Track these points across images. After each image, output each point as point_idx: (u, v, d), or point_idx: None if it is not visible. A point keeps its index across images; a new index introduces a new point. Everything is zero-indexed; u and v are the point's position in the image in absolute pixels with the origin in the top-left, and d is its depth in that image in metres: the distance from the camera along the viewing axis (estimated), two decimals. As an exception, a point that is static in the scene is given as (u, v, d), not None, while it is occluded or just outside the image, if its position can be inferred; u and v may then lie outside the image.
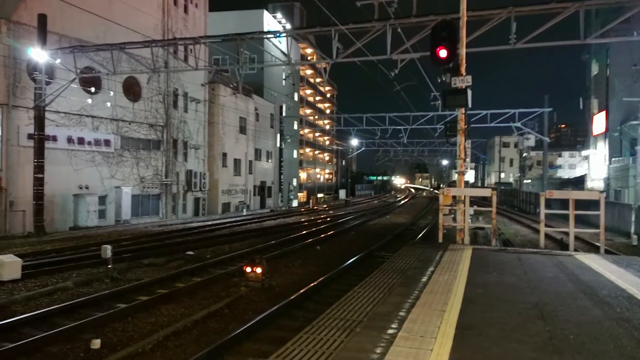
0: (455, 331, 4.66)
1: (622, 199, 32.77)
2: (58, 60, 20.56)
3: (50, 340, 7.04)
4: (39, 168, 20.35)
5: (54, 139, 22.31)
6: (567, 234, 11.51)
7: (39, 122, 20.39)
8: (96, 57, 21.60)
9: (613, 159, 36.72)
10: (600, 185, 39.05)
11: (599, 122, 39.62)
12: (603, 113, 38.23)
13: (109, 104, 25.21)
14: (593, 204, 12.07)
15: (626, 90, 31.50)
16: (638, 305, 5.67)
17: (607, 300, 5.89)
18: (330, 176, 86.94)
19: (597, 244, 15.09)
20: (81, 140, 23.88)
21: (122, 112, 26.28)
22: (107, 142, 25.37)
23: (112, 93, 25.13)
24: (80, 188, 23.89)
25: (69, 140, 23.24)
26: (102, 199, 25.10)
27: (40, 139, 20.39)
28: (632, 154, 32.21)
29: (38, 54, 19.92)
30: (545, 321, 5.04)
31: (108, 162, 25.56)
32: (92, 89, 24.04)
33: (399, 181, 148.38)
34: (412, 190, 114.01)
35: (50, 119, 21.62)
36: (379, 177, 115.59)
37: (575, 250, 10.52)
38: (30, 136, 20.82)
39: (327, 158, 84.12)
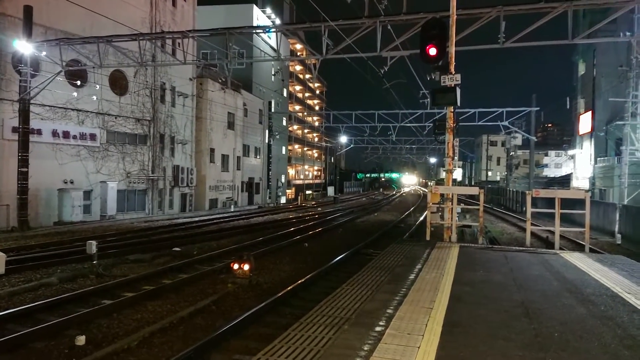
0: (443, 328, 4.68)
1: (607, 199, 33.19)
2: (44, 53, 20.25)
3: (34, 337, 6.96)
4: (24, 162, 20.09)
5: (39, 132, 21.97)
6: (552, 232, 11.63)
7: (24, 115, 20.12)
8: (82, 50, 21.31)
9: (599, 158, 37.15)
10: (585, 184, 39.51)
11: (585, 122, 40.06)
12: (589, 113, 38.65)
13: (95, 97, 24.85)
14: (578, 203, 12.21)
15: (612, 90, 31.92)
16: (621, 304, 5.73)
17: (591, 299, 5.95)
18: (319, 173, 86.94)
19: (582, 242, 15.30)
20: (66, 134, 23.55)
21: (108, 106, 25.96)
22: (92, 136, 25.05)
23: (98, 86, 24.78)
24: (65, 182, 23.58)
25: (54, 134, 22.92)
26: (87, 194, 24.80)
27: (24, 133, 20.14)
28: (617, 154, 32.63)
29: (23, 46, 19.62)
30: (530, 319, 5.08)
31: (93, 157, 25.24)
32: (78, 82, 23.73)
33: (408, 180, 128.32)
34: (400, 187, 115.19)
35: (35, 112, 21.28)
36: (368, 175, 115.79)
37: (561, 248, 10.63)
38: (14, 129, 20.50)
39: (315, 155, 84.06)
